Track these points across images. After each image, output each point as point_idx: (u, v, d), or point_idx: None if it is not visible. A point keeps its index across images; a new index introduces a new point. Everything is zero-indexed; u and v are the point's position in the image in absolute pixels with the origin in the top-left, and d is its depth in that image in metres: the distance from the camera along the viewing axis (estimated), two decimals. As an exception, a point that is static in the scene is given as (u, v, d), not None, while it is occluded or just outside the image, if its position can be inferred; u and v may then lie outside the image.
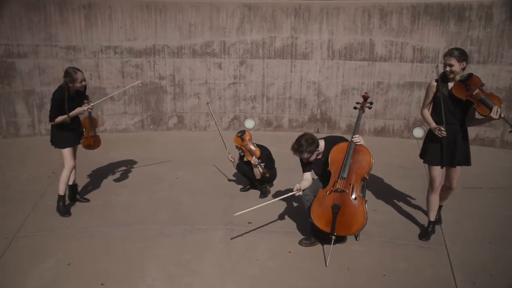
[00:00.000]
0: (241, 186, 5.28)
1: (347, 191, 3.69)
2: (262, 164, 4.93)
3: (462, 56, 3.75)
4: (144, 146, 6.83)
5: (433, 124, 3.90)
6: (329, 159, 3.83)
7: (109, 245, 4.05)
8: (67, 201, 4.76)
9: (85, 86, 4.52)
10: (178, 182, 5.48)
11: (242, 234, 4.22)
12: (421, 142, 7.27)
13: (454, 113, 3.83)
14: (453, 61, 3.73)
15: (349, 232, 3.62)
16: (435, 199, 4.12)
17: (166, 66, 7.42)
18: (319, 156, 4.00)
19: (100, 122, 7.35)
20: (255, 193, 5.12)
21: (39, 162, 6.00)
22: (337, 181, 3.74)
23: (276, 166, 5.18)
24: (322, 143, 3.97)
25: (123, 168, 5.88)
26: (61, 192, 4.58)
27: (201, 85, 7.53)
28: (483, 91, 3.63)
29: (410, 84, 7.06)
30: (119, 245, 4.04)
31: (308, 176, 4.06)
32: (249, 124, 7.63)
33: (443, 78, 3.87)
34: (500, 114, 3.51)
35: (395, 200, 4.94)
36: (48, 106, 4.51)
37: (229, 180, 5.54)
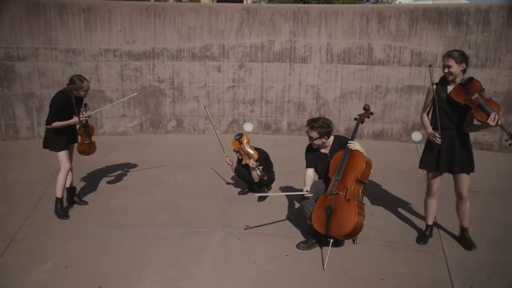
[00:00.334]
0: (239, 189, 5.28)
1: (341, 193, 3.75)
2: (260, 167, 4.94)
3: (461, 57, 3.65)
4: (143, 149, 6.83)
5: (429, 130, 3.84)
6: (329, 166, 3.97)
7: (107, 248, 4.05)
8: (65, 204, 4.77)
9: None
10: (177, 185, 5.48)
11: (240, 237, 4.23)
12: (419, 146, 7.29)
13: (452, 118, 3.74)
14: (451, 62, 3.64)
15: (342, 232, 3.63)
16: (432, 203, 4.10)
17: (165, 69, 7.45)
18: (325, 150, 4.07)
19: (99, 124, 7.37)
20: (253, 196, 5.13)
21: (38, 164, 6.01)
22: (333, 184, 3.82)
23: (274, 169, 5.18)
24: (332, 138, 4.08)
25: (121, 171, 5.88)
26: (59, 195, 4.59)
27: (200, 88, 7.55)
28: (482, 96, 3.53)
29: (409, 88, 7.09)
30: (117, 248, 4.04)
31: (311, 173, 4.13)
32: (248, 127, 7.64)
33: (443, 81, 3.79)
34: (497, 122, 3.41)
35: (393, 204, 4.94)
36: (47, 109, 4.53)
37: (227, 183, 5.54)
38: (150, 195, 5.18)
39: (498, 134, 6.70)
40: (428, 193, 4.09)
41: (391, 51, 7.01)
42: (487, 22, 6.53)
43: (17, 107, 7.17)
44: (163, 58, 7.39)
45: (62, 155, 4.53)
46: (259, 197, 5.04)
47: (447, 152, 3.81)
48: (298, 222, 4.48)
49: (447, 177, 3.99)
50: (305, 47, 7.25)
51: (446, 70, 3.69)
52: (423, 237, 4.15)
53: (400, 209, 4.82)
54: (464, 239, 4.04)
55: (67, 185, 4.78)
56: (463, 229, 4.06)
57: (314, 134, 3.95)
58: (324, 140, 4.00)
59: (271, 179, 5.14)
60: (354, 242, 4.09)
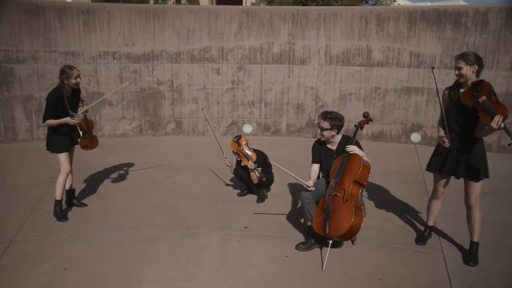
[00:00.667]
0: (238, 191, 5.29)
1: (339, 194, 3.78)
2: (259, 169, 4.94)
3: (473, 59, 3.51)
4: (142, 151, 6.84)
5: (439, 133, 3.76)
6: (330, 171, 4.01)
7: (106, 250, 4.05)
8: (64, 206, 4.77)
9: (80, 90, 4.60)
10: (176, 187, 5.49)
11: (239, 239, 4.23)
12: (418, 147, 7.30)
13: (459, 121, 3.63)
14: (462, 64, 3.52)
15: (340, 232, 3.63)
16: (435, 205, 4.05)
17: (165, 71, 7.45)
18: (332, 147, 4.11)
19: (98, 127, 7.37)
20: (252, 198, 5.13)
21: (37, 166, 6.01)
22: (331, 186, 3.86)
23: (273, 171, 5.19)
24: (340, 135, 4.13)
25: (121, 173, 5.89)
26: (58, 197, 4.59)
27: (199, 90, 7.56)
28: (491, 99, 3.35)
29: (407, 89, 7.10)
30: (116, 250, 4.04)
31: (316, 169, 4.17)
32: (247, 129, 7.65)
33: (457, 84, 3.66)
34: (500, 125, 3.23)
35: (391, 205, 4.94)
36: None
37: (227, 185, 5.55)
38: (149, 197, 5.18)
39: (497, 134, 6.70)
40: (433, 195, 4.05)
41: (390, 52, 7.02)
42: (486, 24, 6.55)
43: (16, 109, 7.17)
44: (162, 60, 7.40)
45: (63, 157, 4.53)
46: (258, 198, 5.04)
47: (453, 156, 3.71)
48: (297, 223, 4.48)
49: (461, 185, 3.84)
50: (304, 49, 7.26)
51: (457, 72, 3.57)
52: (422, 237, 4.15)
53: (399, 210, 4.83)
54: (470, 253, 3.86)
55: (67, 187, 4.78)
56: (472, 243, 3.86)
57: (326, 124, 4.00)
58: (333, 133, 4.04)
59: (270, 180, 5.15)
60: (353, 243, 4.10)
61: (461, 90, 3.62)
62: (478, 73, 3.56)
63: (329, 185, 3.91)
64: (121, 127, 7.59)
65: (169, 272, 3.71)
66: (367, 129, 7.29)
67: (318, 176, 4.23)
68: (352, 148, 3.89)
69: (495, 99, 3.38)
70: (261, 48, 7.33)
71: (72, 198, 4.91)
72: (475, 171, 3.64)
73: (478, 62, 3.53)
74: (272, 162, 4.48)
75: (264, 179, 4.93)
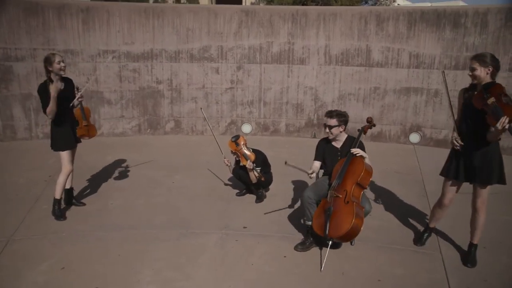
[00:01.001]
0: (237, 191, 5.28)
1: (341, 196, 3.79)
2: (258, 169, 4.94)
3: (488, 60, 3.43)
4: (141, 150, 6.83)
5: (453, 134, 3.69)
6: (332, 171, 4.04)
7: (104, 249, 4.04)
8: (63, 205, 4.75)
9: (70, 79, 4.53)
10: (175, 186, 5.48)
11: (238, 239, 4.22)
12: (417, 148, 7.31)
13: (470, 123, 3.56)
14: (476, 65, 3.45)
15: (340, 233, 3.63)
16: (439, 212, 3.98)
17: (164, 70, 7.44)
18: (337, 144, 4.15)
19: (97, 126, 7.36)
20: (251, 197, 5.13)
21: (36, 165, 6.00)
22: (333, 187, 3.87)
23: (272, 170, 5.19)
24: (346, 135, 4.19)
25: (119, 172, 5.88)
26: (57, 196, 4.57)
27: (198, 89, 7.55)
28: (500, 100, 3.25)
29: (407, 89, 7.10)
30: (115, 249, 4.03)
31: (317, 165, 4.20)
32: (246, 128, 7.65)
33: (472, 86, 3.59)
34: (505, 126, 3.13)
35: (390, 206, 4.95)
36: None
37: (225, 184, 5.54)
38: (148, 196, 5.17)
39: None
40: (440, 202, 3.92)
41: (389, 53, 7.02)
42: (485, 25, 6.55)
43: (15, 107, 7.15)
44: (161, 59, 7.39)
45: (65, 155, 4.49)
46: (257, 198, 5.04)
47: (464, 159, 3.65)
48: (296, 223, 4.48)
49: (463, 186, 3.79)
50: (303, 49, 7.26)
51: (471, 73, 3.51)
52: (420, 238, 4.15)
53: (397, 211, 4.83)
54: (468, 254, 3.85)
55: (67, 186, 4.74)
56: (471, 245, 3.85)
57: (333, 122, 4.05)
58: (341, 129, 4.09)
59: (269, 180, 5.14)
60: (351, 244, 4.10)
61: (476, 92, 3.53)
62: (493, 75, 3.48)
63: (331, 186, 3.93)
64: (120, 126, 7.57)
65: (168, 272, 3.71)
66: (366, 129, 7.29)
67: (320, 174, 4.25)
68: (357, 151, 3.92)
69: (505, 101, 3.27)
70: (261, 47, 7.32)
71: (71, 197, 4.89)
72: (485, 175, 3.57)
73: (493, 63, 3.45)
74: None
75: (262, 178, 4.92)
